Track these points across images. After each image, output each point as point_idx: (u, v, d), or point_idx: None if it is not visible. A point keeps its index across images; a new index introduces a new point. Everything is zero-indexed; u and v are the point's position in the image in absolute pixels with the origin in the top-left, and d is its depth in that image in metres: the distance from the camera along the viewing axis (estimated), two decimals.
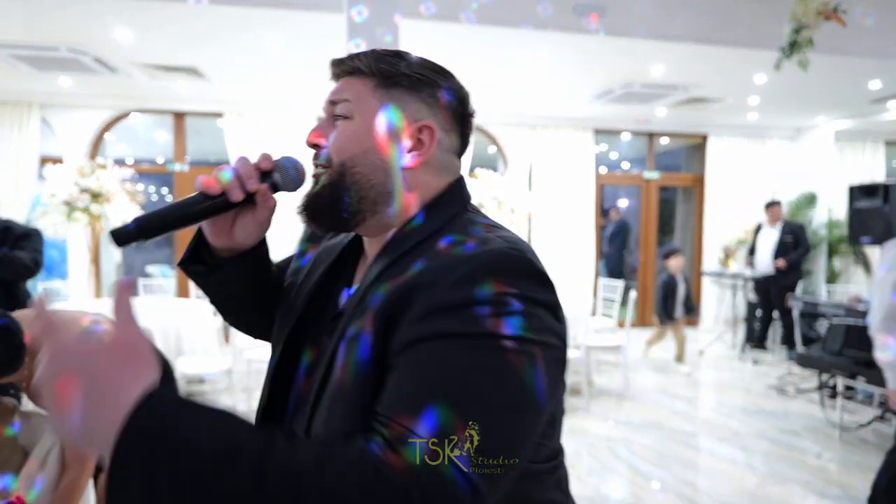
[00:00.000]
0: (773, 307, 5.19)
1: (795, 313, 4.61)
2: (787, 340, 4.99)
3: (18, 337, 1.04)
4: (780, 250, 5.12)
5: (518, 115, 5.74)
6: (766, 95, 4.91)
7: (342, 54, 0.65)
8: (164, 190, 7.17)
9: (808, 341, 4.57)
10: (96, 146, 5.22)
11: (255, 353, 3.85)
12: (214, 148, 6.38)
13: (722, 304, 6.09)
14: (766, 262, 5.20)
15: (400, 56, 0.62)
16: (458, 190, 0.64)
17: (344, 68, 0.63)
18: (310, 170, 0.64)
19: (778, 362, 4.99)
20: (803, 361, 3.67)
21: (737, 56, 3.70)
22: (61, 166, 4.21)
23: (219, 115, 5.26)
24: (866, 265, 6.32)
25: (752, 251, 5.45)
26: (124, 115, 5.29)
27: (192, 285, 4.93)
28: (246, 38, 3.52)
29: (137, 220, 0.58)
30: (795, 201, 6.22)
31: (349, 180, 0.59)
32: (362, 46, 2.66)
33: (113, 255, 5.12)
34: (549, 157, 5.87)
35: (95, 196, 3.99)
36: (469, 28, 3.20)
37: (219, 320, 4.28)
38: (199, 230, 0.67)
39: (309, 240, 0.77)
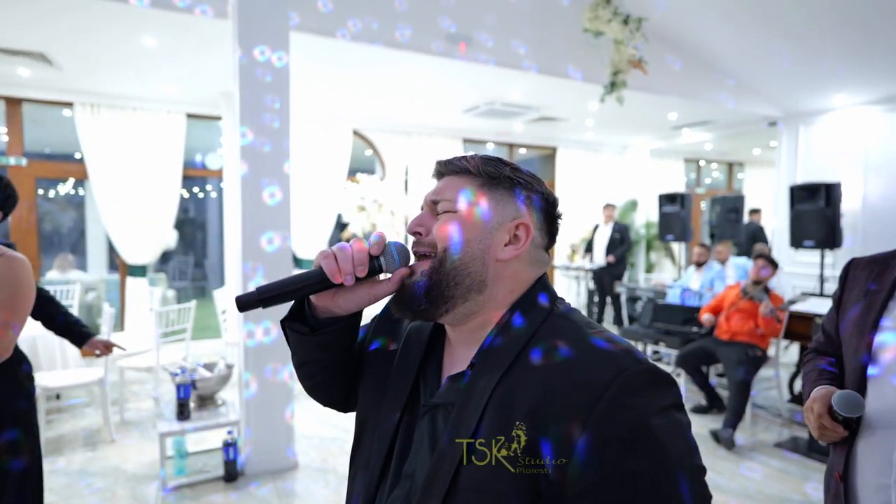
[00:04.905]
0: (606, 293, 6.31)
1: (623, 297, 5.70)
2: (618, 320, 6.11)
3: None
4: (610, 246, 6.26)
5: (395, 123, 6.11)
6: (598, 118, 5.96)
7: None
8: None
9: (633, 320, 5.68)
10: None
11: (128, 362, 3.66)
12: (59, 140, 5.69)
13: (569, 292, 7.17)
14: (600, 255, 6.33)
15: (503, 162, 0.69)
16: (543, 286, 0.68)
17: (451, 168, 0.71)
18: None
19: None
20: (625, 334, 4.63)
21: (574, 87, 4.52)
22: None
23: (67, 104, 4.75)
24: (672, 257, 7.92)
25: (589, 248, 6.57)
26: None
27: None
28: (116, 32, 3.35)
29: (260, 290, 0.63)
30: (623, 206, 7.56)
31: (449, 265, 0.65)
32: (254, 57, 2.75)
33: None
34: (424, 163, 6.35)
35: None
36: (353, 45, 3.48)
37: None
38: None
39: (385, 314, 0.81)
